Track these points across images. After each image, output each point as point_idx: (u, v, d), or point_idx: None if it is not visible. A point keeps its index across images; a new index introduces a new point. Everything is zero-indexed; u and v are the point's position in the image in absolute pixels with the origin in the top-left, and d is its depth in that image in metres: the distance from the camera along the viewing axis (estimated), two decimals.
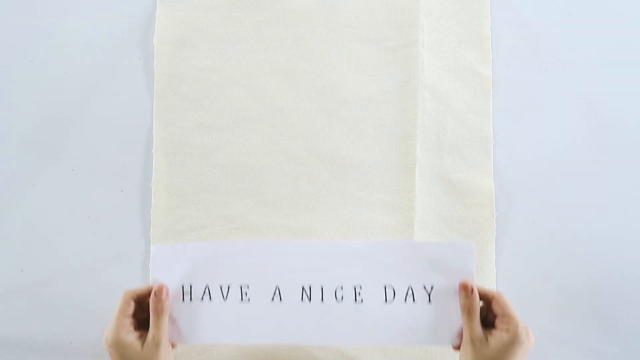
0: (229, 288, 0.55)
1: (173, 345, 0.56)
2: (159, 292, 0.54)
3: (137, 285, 0.58)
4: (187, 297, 0.55)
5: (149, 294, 0.55)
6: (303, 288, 0.55)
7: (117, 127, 0.67)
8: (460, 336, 0.54)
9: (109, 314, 0.65)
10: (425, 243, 0.57)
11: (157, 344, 0.53)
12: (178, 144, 0.67)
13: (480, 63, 0.69)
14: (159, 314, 0.54)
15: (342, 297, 0.55)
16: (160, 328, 0.53)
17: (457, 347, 0.55)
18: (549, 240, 0.66)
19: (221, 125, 0.67)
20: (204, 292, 0.55)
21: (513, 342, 0.51)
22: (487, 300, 0.55)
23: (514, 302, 0.65)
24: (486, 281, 0.64)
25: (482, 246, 0.65)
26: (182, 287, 0.56)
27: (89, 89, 0.68)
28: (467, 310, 0.53)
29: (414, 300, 0.55)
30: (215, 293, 0.55)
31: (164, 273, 0.56)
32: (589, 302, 0.65)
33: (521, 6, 0.70)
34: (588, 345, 0.65)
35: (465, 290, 0.54)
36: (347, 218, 0.66)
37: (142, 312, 0.56)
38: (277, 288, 0.55)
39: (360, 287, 0.55)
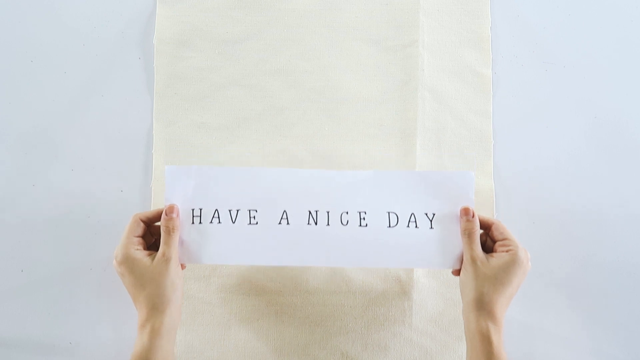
0: (237, 212, 0.57)
1: (182, 267, 0.57)
2: (170, 211, 0.56)
3: None
4: (196, 220, 0.57)
5: (157, 218, 0.57)
6: (310, 212, 0.57)
7: (117, 127, 0.67)
8: (461, 260, 0.56)
9: (109, 314, 0.65)
10: (427, 172, 0.59)
11: (167, 260, 0.54)
12: (178, 144, 0.67)
13: (480, 63, 0.69)
14: (169, 231, 0.55)
15: (347, 222, 0.57)
16: (171, 245, 0.54)
17: (457, 272, 0.57)
18: (549, 240, 0.66)
19: (221, 125, 0.67)
20: (213, 215, 0.57)
21: (514, 261, 0.53)
22: (486, 227, 0.57)
23: (515, 302, 0.65)
24: None
25: None
26: (192, 211, 0.57)
27: (89, 89, 0.68)
28: (468, 233, 0.55)
29: (416, 225, 0.57)
30: (224, 216, 0.57)
31: (176, 194, 0.57)
32: (588, 302, 0.65)
33: (521, 6, 0.70)
34: (588, 345, 0.65)
35: (467, 214, 0.56)
36: None
37: (150, 237, 0.58)
38: (285, 212, 0.57)
39: (365, 213, 0.57)
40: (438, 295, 0.65)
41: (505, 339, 0.54)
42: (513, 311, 0.64)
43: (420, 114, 0.67)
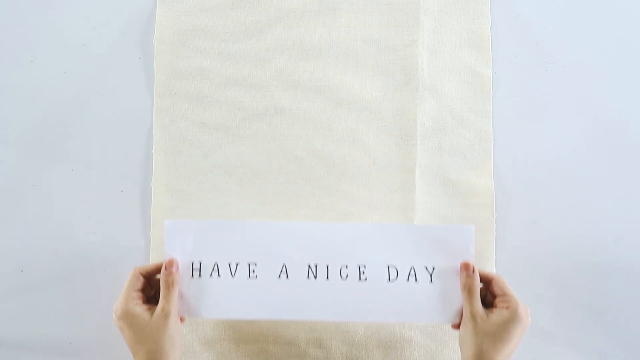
0: (237, 265, 0.57)
1: (182, 319, 0.57)
2: (170, 265, 0.56)
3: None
4: (196, 274, 0.57)
5: (157, 271, 0.57)
6: (309, 266, 0.57)
7: (117, 127, 0.67)
8: (461, 314, 0.56)
9: (109, 313, 0.65)
10: (426, 226, 0.60)
11: (166, 315, 0.54)
12: (178, 144, 0.67)
13: (480, 63, 0.69)
14: (169, 286, 0.55)
15: (347, 276, 0.57)
16: (170, 300, 0.55)
17: (457, 326, 0.57)
18: (549, 241, 0.66)
19: (221, 125, 0.67)
20: (213, 269, 0.57)
21: (513, 318, 0.53)
22: (486, 282, 0.57)
23: None
24: None
25: (482, 246, 0.65)
26: (192, 264, 0.57)
27: (89, 89, 0.68)
28: (468, 289, 0.55)
29: (416, 280, 0.57)
30: (224, 270, 0.57)
31: (175, 248, 0.57)
32: (589, 302, 0.65)
33: (521, 6, 0.70)
34: (588, 345, 0.65)
35: (467, 269, 0.56)
36: (347, 218, 0.66)
37: (150, 289, 0.58)
38: (284, 266, 0.57)
39: (365, 267, 0.57)
40: None
41: None
42: None
43: (420, 114, 0.67)
